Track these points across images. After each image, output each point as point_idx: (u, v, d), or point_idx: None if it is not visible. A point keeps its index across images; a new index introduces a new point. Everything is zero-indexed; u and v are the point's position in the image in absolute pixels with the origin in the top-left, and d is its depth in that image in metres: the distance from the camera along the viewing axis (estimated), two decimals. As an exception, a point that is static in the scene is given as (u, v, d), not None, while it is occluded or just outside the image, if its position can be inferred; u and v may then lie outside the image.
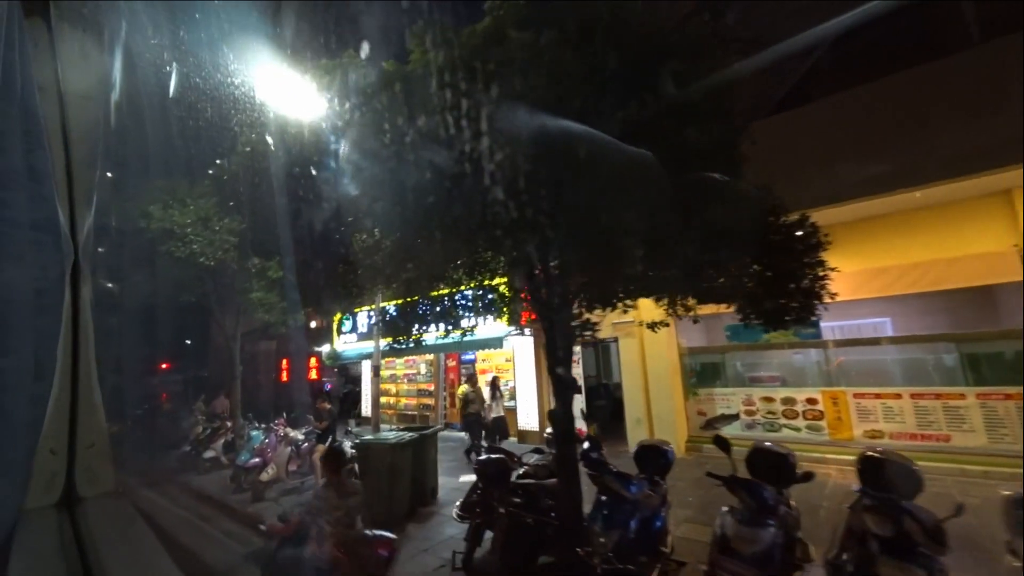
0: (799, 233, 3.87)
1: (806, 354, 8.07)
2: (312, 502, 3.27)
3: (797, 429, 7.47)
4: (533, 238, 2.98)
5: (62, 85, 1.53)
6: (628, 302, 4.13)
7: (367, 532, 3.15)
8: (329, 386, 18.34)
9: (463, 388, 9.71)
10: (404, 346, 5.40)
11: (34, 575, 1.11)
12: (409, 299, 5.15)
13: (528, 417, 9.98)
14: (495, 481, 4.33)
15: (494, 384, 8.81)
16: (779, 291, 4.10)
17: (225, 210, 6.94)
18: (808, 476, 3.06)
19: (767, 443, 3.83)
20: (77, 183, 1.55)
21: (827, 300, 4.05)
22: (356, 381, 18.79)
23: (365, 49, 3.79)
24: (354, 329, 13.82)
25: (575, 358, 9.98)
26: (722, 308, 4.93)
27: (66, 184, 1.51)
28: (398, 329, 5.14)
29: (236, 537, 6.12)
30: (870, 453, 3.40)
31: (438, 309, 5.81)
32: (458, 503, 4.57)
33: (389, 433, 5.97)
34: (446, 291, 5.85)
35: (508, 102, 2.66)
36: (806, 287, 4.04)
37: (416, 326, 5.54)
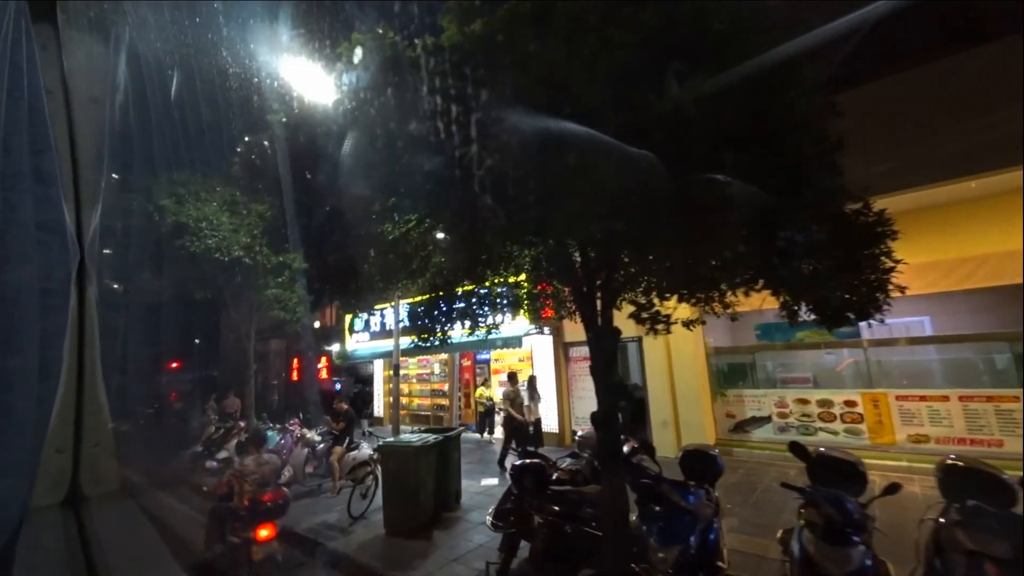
0: (866, 221, 3.56)
1: (838, 354, 7.76)
2: (237, 468, 4.64)
3: (834, 433, 7.14)
4: (598, 223, 2.70)
5: (69, 88, 1.52)
6: (712, 292, 3.78)
7: (271, 489, 4.50)
8: (339, 386, 18.18)
9: (481, 390, 9.41)
10: (429, 344, 5.14)
11: (39, 572, 1.11)
12: (435, 295, 4.89)
13: (547, 419, 9.68)
14: (532, 488, 4.06)
15: (532, 384, 8.42)
16: (842, 285, 3.80)
17: (244, 202, 6.73)
18: (893, 488, 2.75)
19: (832, 448, 3.54)
20: (83, 185, 1.53)
21: (896, 295, 3.74)
22: (366, 381, 18.62)
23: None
24: (366, 328, 13.61)
25: (596, 358, 9.69)
26: (764, 304, 4.65)
27: (72, 186, 1.50)
28: (424, 327, 4.88)
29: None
30: (952, 461, 3.12)
31: (462, 306, 5.56)
32: (491, 510, 4.30)
33: (412, 436, 5.72)
34: (470, 287, 5.60)
35: (569, 72, 2.39)
36: (872, 280, 3.74)
37: (442, 323, 5.28)
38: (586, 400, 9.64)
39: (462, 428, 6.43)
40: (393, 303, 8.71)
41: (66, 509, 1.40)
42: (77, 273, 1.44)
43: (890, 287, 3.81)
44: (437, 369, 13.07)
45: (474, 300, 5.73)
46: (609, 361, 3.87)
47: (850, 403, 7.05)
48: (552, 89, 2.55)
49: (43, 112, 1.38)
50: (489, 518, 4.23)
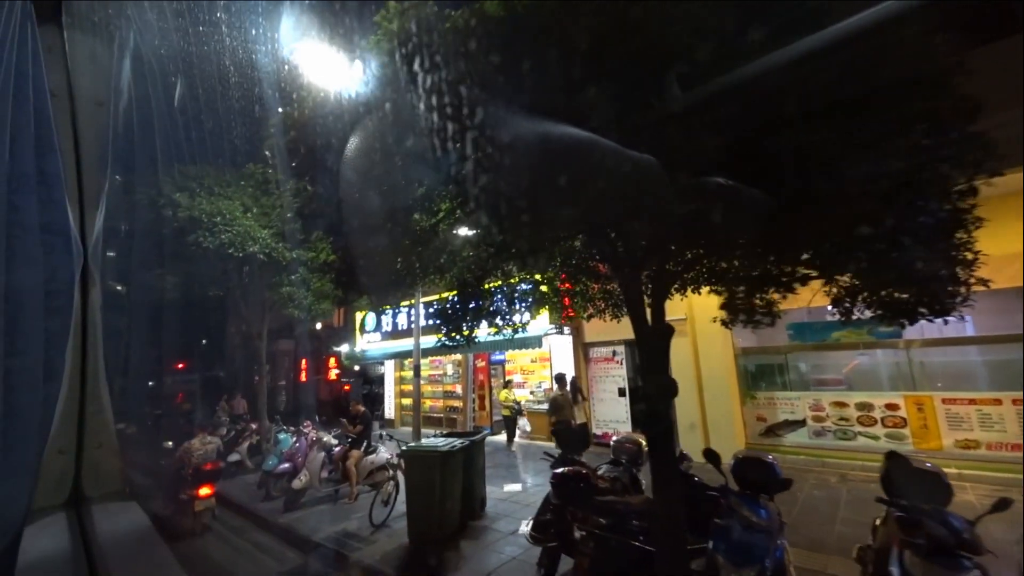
0: (953, 207, 3.24)
1: (872, 355, 7.43)
2: (186, 446, 6.42)
3: (875, 437, 6.80)
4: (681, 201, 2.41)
5: (74, 90, 1.54)
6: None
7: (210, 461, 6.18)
8: (348, 387, 17.93)
9: (505, 393, 8.99)
10: (456, 343, 4.86)
11: (42, 573, 1.11)
12: (465, 290, 4.61)
13: (567, 421, 9.38)
14: (575, 498, 3.76)
15: (575, 386, 7.98)
16: (914, 277, 3.48)
17: (259, 195, 6.47)
18: (1003, 504, 2.44)
19: (912, 458, 3.22)
20: (87, 187, 1.55)
21: (977, 288, 3.41)
22: (375, 382, 18.37)
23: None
24: (377, 328, 13.34)
25: (617, 359, 9.38)
26: (813, 301, 4.34)
27: (76, 188, 1.51)
28: (453, 324, 4.59)
29: (269, 551, 5.61)
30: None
31: (490, 303, 5.28)
32: (528, 521, 4.01)
33: (438, 440, 5.43)
34: (498, 283, 5.32)
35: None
36: (949, 273, 3.41)
37: (469, 321, 5.00)
38: (607, 403, 9.33)
39: (487, 431, 6.13)
40: (411, 301, 8.43)
41: (69, 509, 1.40)
42: (80, 275, 1.44)
43: (972, 281, 3.49)
44: (450, 370, 12.78)
45: (499, 297, 5.46)
46: (661, 360, 3.56)
47: (892, 406, 6.70)
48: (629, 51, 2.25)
49: (48, 114, 1.38)
50: (526, 528, 3.94)
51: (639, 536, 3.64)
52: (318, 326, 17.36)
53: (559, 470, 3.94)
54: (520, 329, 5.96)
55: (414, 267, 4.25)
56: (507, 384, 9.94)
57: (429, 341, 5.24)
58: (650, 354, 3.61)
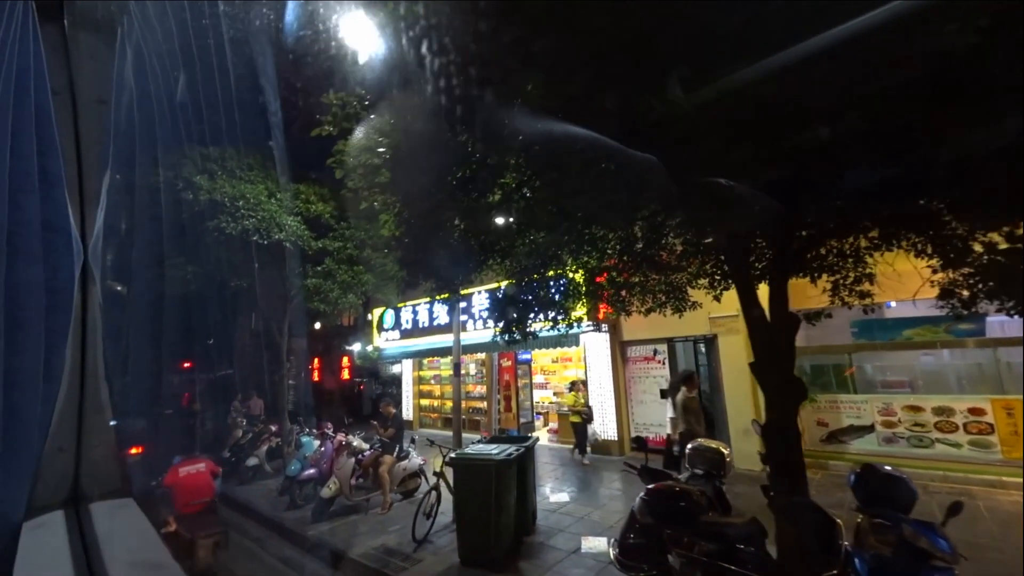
0: None
1: (938, 356, 6.85)
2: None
3: (956, 445, 6.20)
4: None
5: (76, 88, 1.55)
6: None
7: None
8: (362, 387, 17.42)
9: (573, 396, 8.09)
10: (516, 338, 4.33)
11: (41, 571, 1.10)
12: (531, 278, 4.08)
13: (605, 425, 8.82)
14: (675, 519, 3.21)
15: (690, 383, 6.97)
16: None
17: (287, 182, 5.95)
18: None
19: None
20: (87, 186, 1.56)
21: None
22: (388, 382, 17.83)
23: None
24: (396, 325, 12.81)
25: (659, 358, 8.81)
26: (918, 293, 3.80)
27: (77, 186, 1.53)
28: (519, 316, 4.06)
29: (298, 568, 5.08)
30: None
31: (548, 293, 4.74)
32: (614, 543, 3.46)
33: (489, 446, 4.88)
34: (552, 273, 4.78)
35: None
36: None
37: (528, 314, 4.47)
38: (647, 404, 8.76)
39: (536, 437, 5.58)
40: (439, 296, 7.88)
41: (68, 509, 1.37)
42: (80, 273, 1.43)
43: None
44: (473, 369, 12.23)
45: (553, 288, 4.92)
46: (783, 357, 3.02)
47: (976, 411, 6.11)
48: None
49: (49, 113, 1.37)
50: (614, 553, 3.38)
51: (748, 565, 3.09)
52: (317, 325, 16.88)
53: (653, 485, 3.39)
54: (576, 324, 5.43)
55: (475, 250, 3.71)
56: (573, 386, 8.34)
57: (494, 335, 4.66)
58: (769, 349, 3.06)
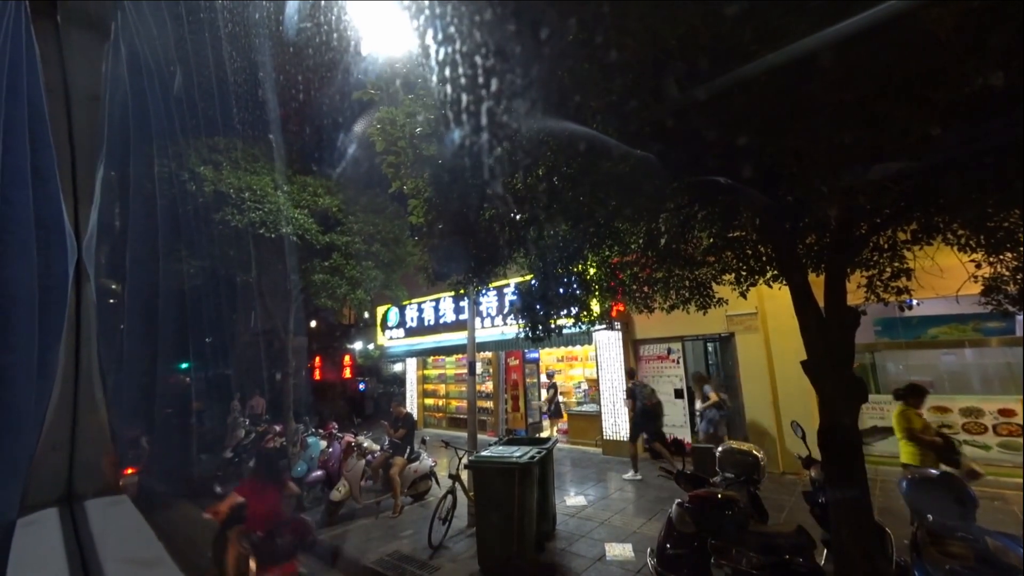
0: None
1: (959, 354, 6.69)
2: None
3: (986, 447, 6.03)
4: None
5: (69, 85, 1.54)
6: None
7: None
8: (364, 386, 17.19)
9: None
10: (541, 335, 4.11)
11: (34, 571, 1.09)
12: (557, 272, 3.86)
13: (616, 425, 8.62)
14: (720, 527, 3.00)
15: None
16: None
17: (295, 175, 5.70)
18: None
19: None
20: (81, 182, 1.54)
21: None
22: (389, 381, 17.60)
23: None
24: (402, 323, 12.58)
25: (673, 357, 8.61)
26: (961, 289, 3.60)
27: (71, 183, 1.51)
28: (545, 313, 3.84)
29: (309, 572, 4.84)
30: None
31: (571, 289, 4.53)
32: (651, 552, 3.25)
33: (509, 448, 4.66)
34: (577, 268, 4.56)
35: None
36: None
37: (551, 311, 4.25)
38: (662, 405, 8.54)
39: (555, 438, 5.37)
40: (449, 293, 7.65)
41: (62, 507, 1.37)
42: (74, 270, 1.44)
43: None
44: (479, 368, 12.00)
45: (576, 284, 4.71)
46: (842, 356, 2.81)
47: (1007, 412, 5.93)
48: None
49: (42, 110, 1.37)
50: (653, 564, 3.17)
51: (798, 576, 2.90)
52: (313, 324, 16.62)
53: (693, 492, 3.18)
54: (596, 321, 5.22)
55: (499, 243, 3.49)
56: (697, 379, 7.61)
57: (518, 332, 4.44)
58: (825, 347, 2.85)
